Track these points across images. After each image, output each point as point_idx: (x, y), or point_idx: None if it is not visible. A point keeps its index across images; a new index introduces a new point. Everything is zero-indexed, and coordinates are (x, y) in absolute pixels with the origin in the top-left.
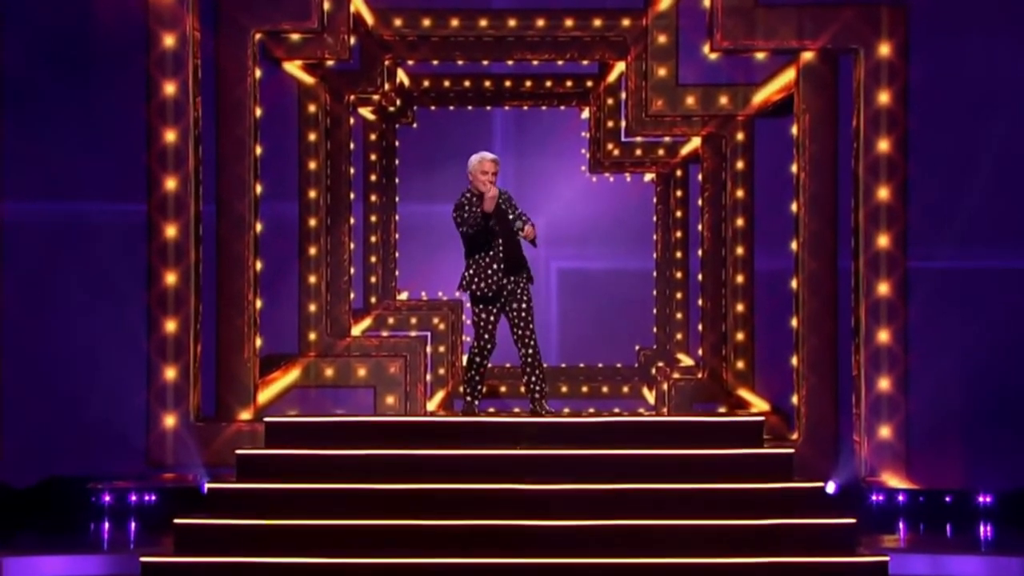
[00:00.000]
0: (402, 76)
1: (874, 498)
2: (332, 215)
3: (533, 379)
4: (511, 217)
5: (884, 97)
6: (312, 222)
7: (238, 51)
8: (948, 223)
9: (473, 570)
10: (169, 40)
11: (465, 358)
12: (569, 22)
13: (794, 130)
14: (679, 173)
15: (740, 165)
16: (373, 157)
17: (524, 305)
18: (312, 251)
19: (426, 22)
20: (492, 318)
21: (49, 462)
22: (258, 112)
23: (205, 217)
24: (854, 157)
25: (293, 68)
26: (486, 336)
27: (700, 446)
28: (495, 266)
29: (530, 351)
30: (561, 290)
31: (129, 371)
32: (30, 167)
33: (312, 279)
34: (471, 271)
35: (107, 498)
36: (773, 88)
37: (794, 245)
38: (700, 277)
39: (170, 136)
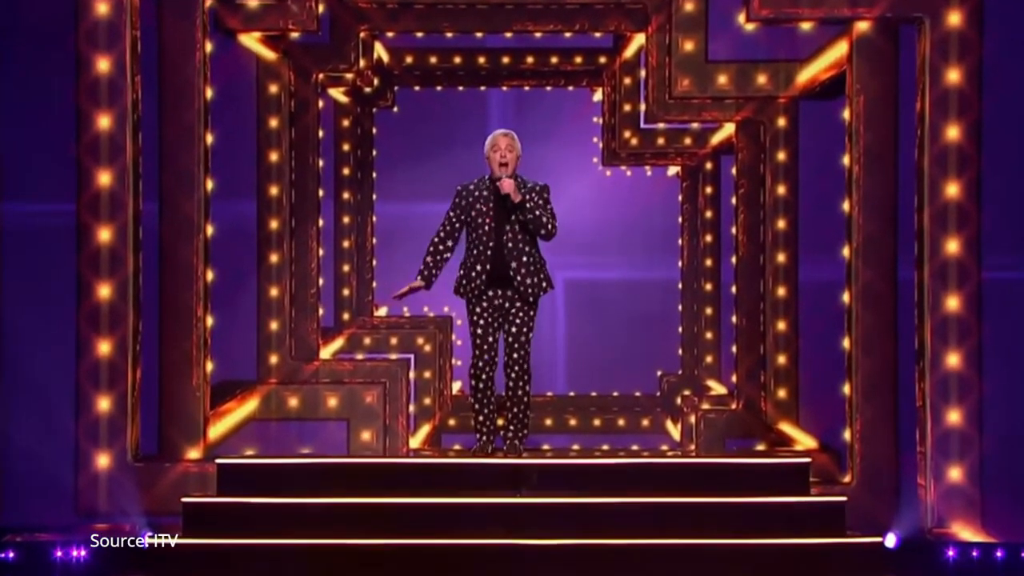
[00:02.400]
0: (380, 51)
1: (943, 554)
2: (297, 216)
3: (510, 415)
4: (524, 216)
5: (954, 75)
6: (274, 224)
7: (185, 21)
8: None
9: None
10: (102, 8)
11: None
12: None
13: (846, 115)
14: (709, 166)
15: (782, 156)
16: (346, 147)
17: (515, 329)
18: (273, 259)
19: None
20: (479, 331)
21: None
22: (209, 94)
23: (146, 218)
24: (918, 147)
25: (251, 41)
26: (476, 350)
27: (734, 492)
28: (478, 268)
29: (510, 381)
30: (569, 305)
31: (55, 400)
32: None
33: (273, 292)
34: (460, 271)
35: (26, 554)
36: (821, 65)
37: (846, 251)
38: (734, 289)
39: (104, 122)
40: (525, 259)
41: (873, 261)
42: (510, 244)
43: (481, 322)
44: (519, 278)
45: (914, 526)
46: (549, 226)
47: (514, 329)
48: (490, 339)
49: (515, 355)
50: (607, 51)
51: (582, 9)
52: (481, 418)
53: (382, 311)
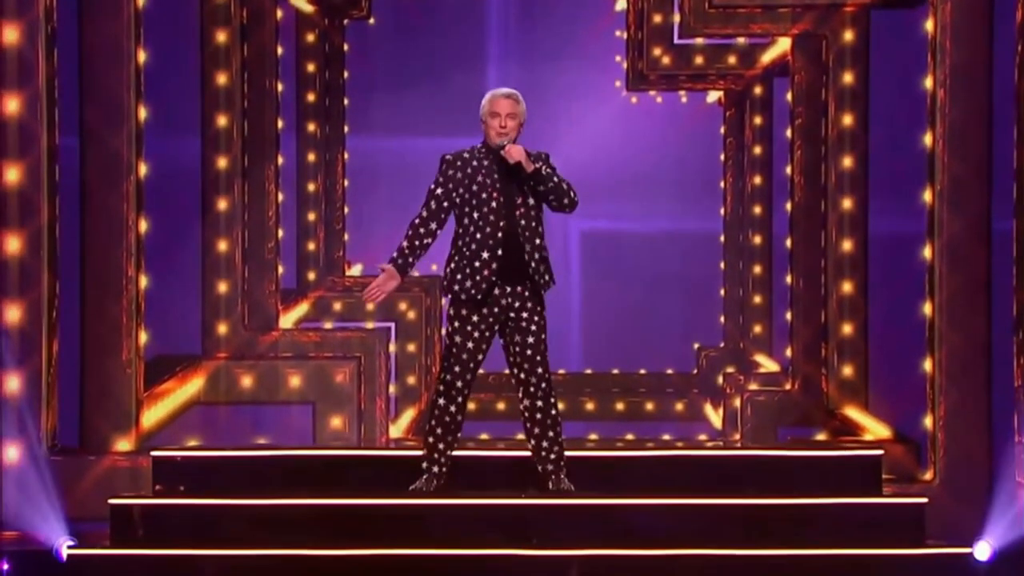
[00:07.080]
0: None
1: None
2: (251, 153)
3: (544, 444)
4: (543, 186)
5: None
6: (222, 163)
7: None
8: None
9: None
10: None
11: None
12: None
13: (928, 26)
14: (758, 91)
15: (848, 79)
16: (311, 68)
17: (531, 339)
18: (222, 205)
19: None
20: (471, 343)
21: None
22: (141, 0)
23: (64, 155)
24: (1017, 67)
25: None
26: (456, 366)
27: (787, 492)
28: (485, 256)
29: (538, 402)
30: (586, 262)
31: None
32: None
33: (222, 247)
34: (452, 264)
35: None
36: None
37: (927, 196)
38: (789, 243)
39: (9, 35)
40: (539, 242)
41: (961, 209)
42: (523, 222)
43: (476, 333)
44: (534, 265)
45: (1011, 534)
46: (571, 194)
47: (530, 339)
48: (479, 356)
49: (538, 369)
50: None
51: None
52: (442, 445)
53: (355, 270)
